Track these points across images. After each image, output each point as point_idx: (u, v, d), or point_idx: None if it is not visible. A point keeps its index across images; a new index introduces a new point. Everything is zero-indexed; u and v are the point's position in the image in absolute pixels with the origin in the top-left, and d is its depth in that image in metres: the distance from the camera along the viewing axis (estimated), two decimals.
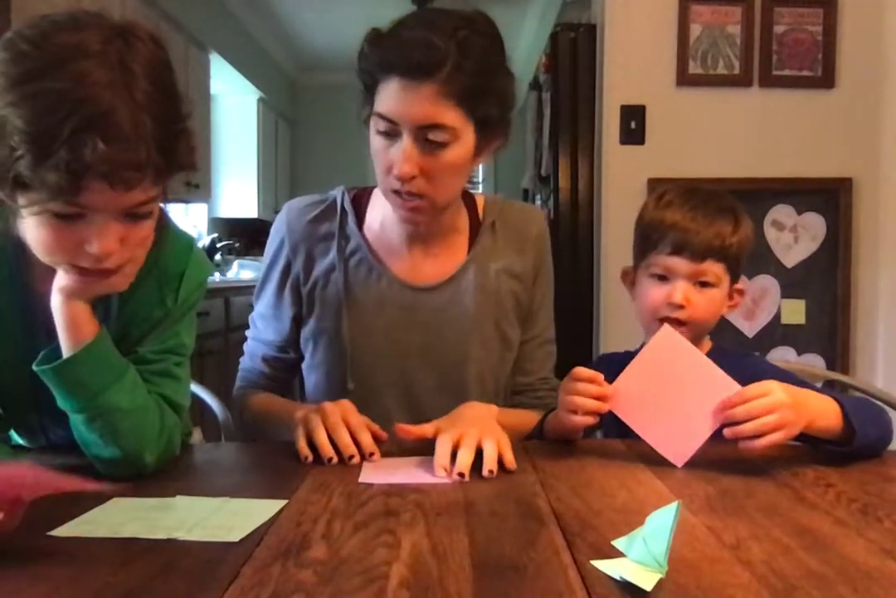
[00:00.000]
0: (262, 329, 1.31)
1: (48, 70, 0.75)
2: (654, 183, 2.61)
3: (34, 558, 0.67)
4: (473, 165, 1.17)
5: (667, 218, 1.17)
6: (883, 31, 2.61)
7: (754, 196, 2.59)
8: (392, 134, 1.09)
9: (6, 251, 0.94)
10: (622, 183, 2.64)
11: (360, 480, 0.92)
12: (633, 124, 2.62)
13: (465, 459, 0.92)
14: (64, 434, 1.03)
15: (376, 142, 1.12)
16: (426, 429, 1.02)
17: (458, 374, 1.24)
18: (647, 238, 1.19)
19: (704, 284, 1.16)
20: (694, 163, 2.62)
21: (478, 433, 0.97)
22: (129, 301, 0.99)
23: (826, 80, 2.61)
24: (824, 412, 0.97)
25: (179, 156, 0.83)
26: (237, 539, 0.71)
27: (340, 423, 1.00)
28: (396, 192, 1.13)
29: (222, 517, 0.78)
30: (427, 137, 1.08)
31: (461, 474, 0.91)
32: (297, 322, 1.28)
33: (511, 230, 1.30)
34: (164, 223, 1.00)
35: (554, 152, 2.92)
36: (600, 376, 1.03)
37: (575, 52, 2.84)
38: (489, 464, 0.93)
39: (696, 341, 1.21)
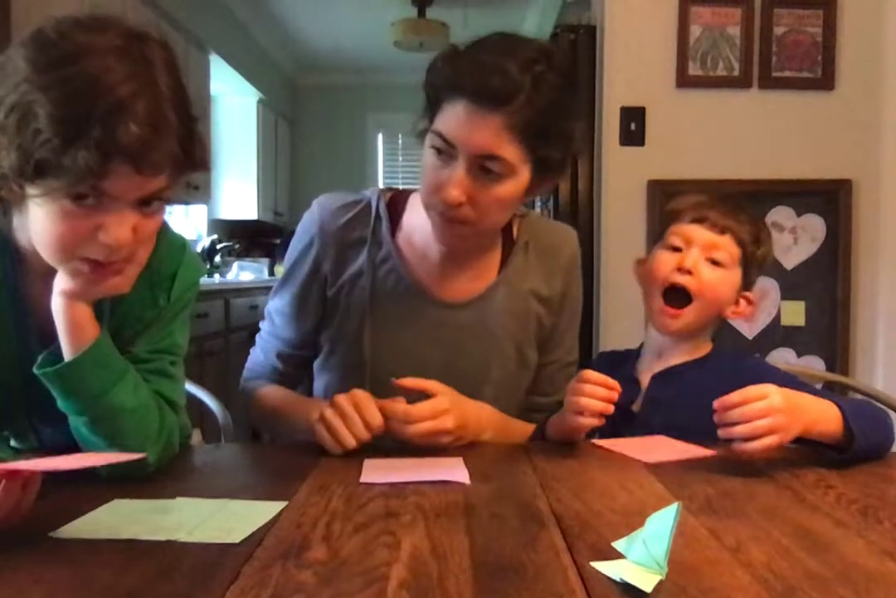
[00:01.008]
0: (281, 326, 1.29)
1: (75, 59, 0.76)
2: (653, 184, 2.61)
3: (35, 559, 0.67)
4: (523, 201, 1.15)
5: (691, 200, 1.21)
6: (883, 32, 2.61)
7: (754, 198, 2.58)
8: (447, 155, 1.06)
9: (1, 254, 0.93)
10: (622, 184, 2.64)
11: (362, 480, 0.92)
12: (633, 126, 2.62)
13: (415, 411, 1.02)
14: (54, 437, 1.04)
15: (429, 158, 1.09)
16: (427, 384, 1.08)
17: (475, 393, 1.19)
18: (670, 217, 1.23)
19: (716, 264, 1.17)
20: (694, 164, 2.62)
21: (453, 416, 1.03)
22: (121, 302, 0.98)
23: (826, 81, 2.61)
24: (823, 417, 0.97)
25: (195, 152, 0.85)
26: (237, 541, 0.71)
27: (356, 418, 1.02)
28: (440, 213, 1.11)
29: (222, 519, 0.78)
30: (482, 166, 1.05)
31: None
32: (319, 323, 1.27)
33: (543, 251, 1.28)
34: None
35: None
36: (610, 380, 1.03)
37: (575, 53, 2.84)
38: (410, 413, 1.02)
39: (696, 333, 1.20)
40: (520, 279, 1.26)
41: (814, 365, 2.59)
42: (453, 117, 1.04)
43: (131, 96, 0.76)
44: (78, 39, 0.78)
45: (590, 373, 1.04)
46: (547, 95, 1.03)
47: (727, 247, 1.16)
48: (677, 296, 1.17)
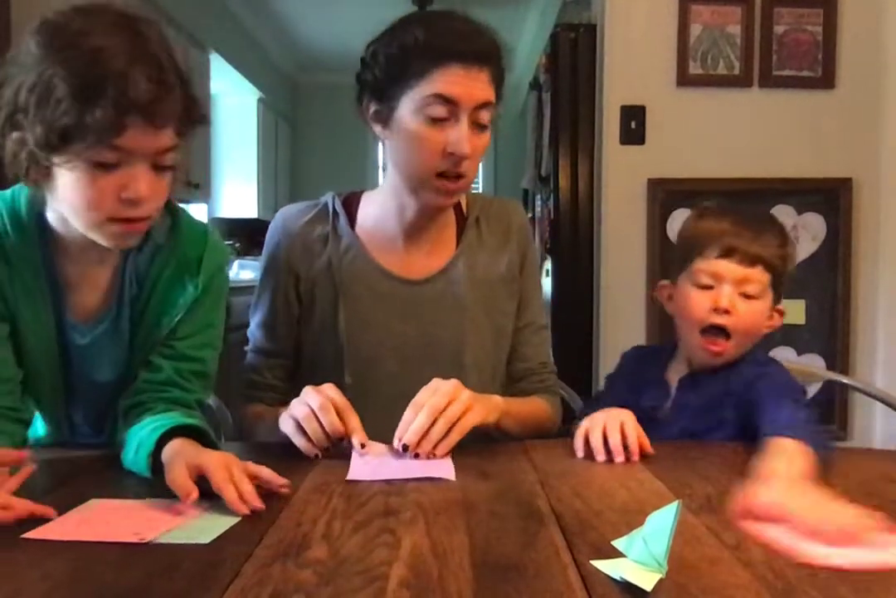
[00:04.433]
0: (262, 338, 1.31)
1: (82, 38, 0.85)
2: (654, 183, 2.61)
3: (36, 557, 0.67)
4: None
5: (714, 227, 1.16)
6: (883, 31, 2.60)
7: (754, 196, 2.59)
8: (447, 117, 1.14)
9: (37, 237, 1.00)
10: (622, 183, 2.64)
11: (348, 478, 0.92)
12: (634, 124, 2.62)
13: (417, 426, 0.99)
14: (86, 428, 1.12)
15: (422, 127, 1.14)
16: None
17: (457, 362, 1.26)
18: (693, 246, 1.17)
19: (748, 296, 1.14)
20: (694, 163, 2.62)
21: (444, 401, 1.01)
22: (153, 289, 1.06)
23: (826, 80, 2.61)
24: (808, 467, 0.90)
25: (195, 109, 0.93)
26: (207, 541, 0.71)
27: (328, 406, 1.00)
28: (440, 175, 1.16)
29: (193, 519, 0.78)
30: (476, 119, 1.15)
31: (405, 448, 0.99)
32: (299, 322, 1.29)
33: (494, 224, 1.34)
34: (175, 212, 1.09)
35: (554, 152, 2.92)
36: (633, 438, 1.03)
37: (575, 52, 2.84)
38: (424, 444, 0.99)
39: (733, 358, 1.19)
40: (476, 251, 1.32)
41: (814, 363, 2.59)
42: (451, 79, 1.13)
43: (134, 61, 0.85)
44: (80, 22, 0.87)
45: (630, 422, 1.04)
46: (503, 51, 1.19)
47: (758, 278, 1.14)
48: (716, 332, 1.15)
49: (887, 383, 2.57)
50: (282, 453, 1.02)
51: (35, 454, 0.90)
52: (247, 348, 1.36)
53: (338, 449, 1.00)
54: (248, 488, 0.81)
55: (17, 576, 0.64)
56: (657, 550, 0.62)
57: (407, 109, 1.15)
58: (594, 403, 1.23)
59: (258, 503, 0.80)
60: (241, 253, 5.64)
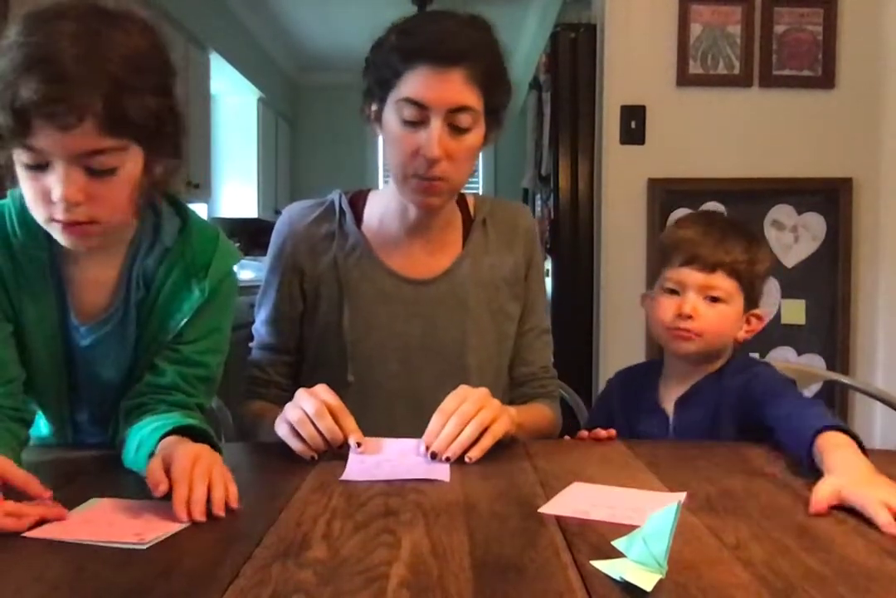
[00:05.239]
0: (267, 335, 1.32)
1: (29, 30, 0.83)
2: (654, 183, 2.61)
3: (35, 558, 0.68)
4: (479, 152, 1.22)
5: (682, 235, 1.21)
6: (883, 31, 2.60)
7: (754, 196, 2.59)
8: (418, 120, 1.13)
9: (44, 237, 0.98)
10: (622, 183, 2.64)
11: (342, 478, 0.92)
12: (634, 124, 2.62)
13: (447, 433, 0.98)
14: (89, 427, 1.10)
15: (398, 130, 1.15)
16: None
17: (459, 364, 1.26)
18: (664, 254, 1.23)
19: (715, 300, 1.17)
20: (694, 163, 2.63)
21: (474, 408, 1.01)
22: (163, 290, 1.04)
23: (826, 80, 2.61)
24: (860, 455, 0.93)
25: (130, 111, 0.85)
26: (145, 547, 0.70)
27: (324, 410, 0.99)
28: (417, 176, 1.15)
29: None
30: (453, 121, 1.13)
31: (434, 456, 0.98)
32: (303, 320, 1.30)
33: (501, 226, 1.34)
34: (185, 214, 1.07)
35: (554, 152, 2.92)
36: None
37: (575, 51, 2.84)
38: (454, 447, 0.98)
39: (708, 359, 1.21)
40: (482, 253, 1.31)
41: (814, 363, 2.59)
42: (420, 81, 1.12)
43: (49, 56, 0.81)
44: (42, 14, 0.84)
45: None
46: (490, 49, 1.16)
47: (721, 283, 1.17)
48: (683, 330, 1.18)
49: (887, 383, 2.57)
50: (282, 453, 1.02)
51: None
52: (251, 344, 1.36)
53: (334, 453, 1.00)
54: (200, 493, 0.78)
55: (18, 576, 0.64)
56: (657, 550, 0.62)
57: (389, 110, 1.16)
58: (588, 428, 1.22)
59: (198, 515, 0.76)
60: (242, 253, 5.64)
